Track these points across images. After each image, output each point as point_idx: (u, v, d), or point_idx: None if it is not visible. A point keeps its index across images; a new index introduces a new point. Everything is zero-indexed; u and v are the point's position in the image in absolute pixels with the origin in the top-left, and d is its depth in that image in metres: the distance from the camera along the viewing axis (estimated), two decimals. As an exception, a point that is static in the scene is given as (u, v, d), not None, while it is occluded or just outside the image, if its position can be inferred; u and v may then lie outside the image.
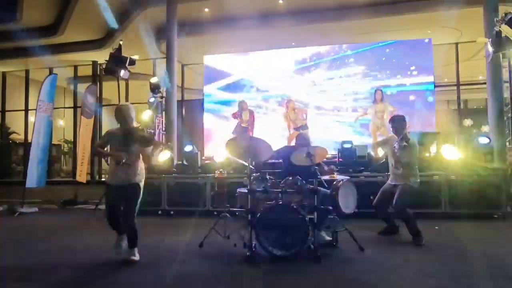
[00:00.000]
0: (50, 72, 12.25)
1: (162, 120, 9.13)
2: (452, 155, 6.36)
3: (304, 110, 9.27)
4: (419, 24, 9.42)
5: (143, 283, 3.22)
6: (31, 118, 12.40)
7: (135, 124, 3.96)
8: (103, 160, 12.48)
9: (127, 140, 3.79)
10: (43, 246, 4.63)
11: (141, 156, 3.92)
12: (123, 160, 3.69)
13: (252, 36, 9.96)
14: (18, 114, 12.80)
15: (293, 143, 6.66)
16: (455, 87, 10.41)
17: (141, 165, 3.92)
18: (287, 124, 9.12)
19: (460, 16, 8.60)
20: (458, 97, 10.50)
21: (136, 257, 3.79)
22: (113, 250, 3.85)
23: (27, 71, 12.70)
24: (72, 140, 12.79)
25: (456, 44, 10.16)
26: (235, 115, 9.12)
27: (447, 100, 13.18)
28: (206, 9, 9.67)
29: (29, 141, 9.27)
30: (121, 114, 3.85)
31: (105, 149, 3.97)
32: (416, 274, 3.30)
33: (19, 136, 12.73)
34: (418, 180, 4.60)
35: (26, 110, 12.54)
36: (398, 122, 4.63)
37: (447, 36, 9.98)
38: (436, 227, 5.34)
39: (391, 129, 4.73)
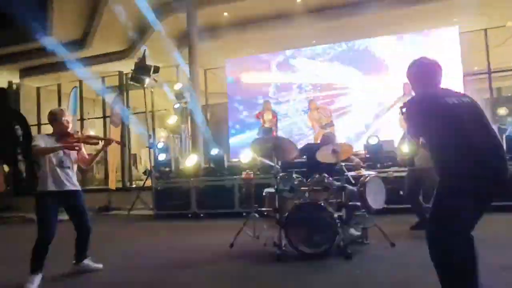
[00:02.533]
0: (80, 85, 12.81)
1: (188, 125, 9.31)
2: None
3: (328, 108, 9.20)
4: (444, 13, 9.12)
5: (177, 283, 3.31)
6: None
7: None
8: (132, 167, 12.90)
9: (64, 140, 3.52)
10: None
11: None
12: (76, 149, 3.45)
13: (272, 37, 9.98)
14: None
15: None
16: (486, 75, 10.00)
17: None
18: (312, 124, 9.08)
19: (487, 0, 8.27)
20: (490, 85, 10.09)
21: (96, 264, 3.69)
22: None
23: (59, 85, 13.29)
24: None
25: (485, 30, 9.77)
26: (258, 116, 9.17)
27: (478, 89, 12.66)
28: (226, 13, 9.79)
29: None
30: (55, 118, 3.59)
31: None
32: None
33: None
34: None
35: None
36: None
37: (475, 23, 9.61)
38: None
39: None
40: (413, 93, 2.49)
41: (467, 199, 2.02)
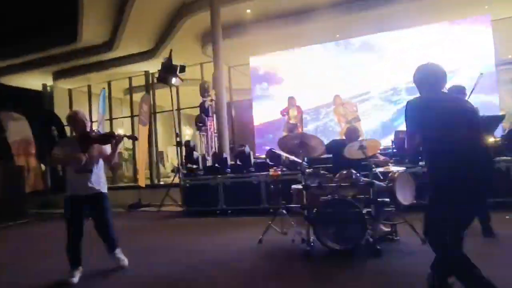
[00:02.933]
0: (109, 85, 13.24)
1: (214, 122, 9.44)
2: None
3: (353, 103, 9.08)
4: (475, 0, 8.77)
5: (205, 279, 3.38)
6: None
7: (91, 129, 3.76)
8: (160, 164, 13.22)
9: (84, 145, 3.56)
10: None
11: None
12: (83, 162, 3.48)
13: (295, 32, 9.92)
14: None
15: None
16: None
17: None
18: (337, 119, 9.00)
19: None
20: (525, 75, 9.63)
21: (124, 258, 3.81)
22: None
23: (89, 86, 13.79)
24: (132, 147, 13.68)
25: (519, 16, 9.32)
26: (283, 112, 9.16)
27: (511, 78, 12.12)
28: (248, 10, 9.81)
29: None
30: (72, 119, 3.63)
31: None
32: (484, 267, 3.14)
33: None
34: None
35: (91, 122, 13.61)
36: (461, 93, 4.21)
37: (507, 10, 9.18)
38: (507, 217, 4.99)
39: None
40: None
41: (448, 198, 2.37)
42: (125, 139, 3.78)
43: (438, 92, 2.58)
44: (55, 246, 5.23)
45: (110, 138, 3.66)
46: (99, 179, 3.67)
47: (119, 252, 3.83)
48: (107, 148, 3.72)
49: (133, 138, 3.86)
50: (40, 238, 6.45)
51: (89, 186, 3.58)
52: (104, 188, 3.72)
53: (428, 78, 2.57)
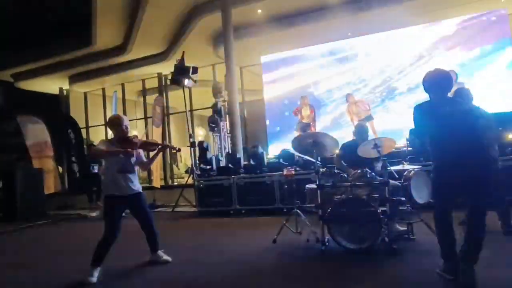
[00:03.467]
0: (123, 88, 13.44)
1: (226, 123, 9.49)
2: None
3: (366, 101, 9.01)
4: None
5: (221, 279, 3.40)
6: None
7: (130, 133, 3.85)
8: (174, 166, 13.36)
9: (125, 146, 3.68)
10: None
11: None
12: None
13: (306, 31, 9.89)
14: (100, 128, 14.19)
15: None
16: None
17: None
18: (350, 118, 8.94)
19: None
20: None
21: (166, 257, 3.97)
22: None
23: (103, 89, 14.02)
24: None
25: (537, 9, 9.08)
26: (296, 112, 9.16)
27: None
28: (259, 10, 9.83)
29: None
30: (115, 123, 3.77)
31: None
32: (504, 266, 3.08)
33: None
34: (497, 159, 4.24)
35: (106, 124, 13.86)
36: (464, 95, 4.27)
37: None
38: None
39: None
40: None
41: (444, 187, 2.86)
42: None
43: (444, 96, 2.89)
44: (73, 246, 5.40)
45: (153, 146, 3.89)
46: (136, 180, 3.82)
47: (161, 251, 4.00)
48: (143, 154, 3.93)
49: (177, 149, 3.99)
50: (58, 238, 6.60)
51: (130, 186, 3.72)
52: (140, 188, 3.86)
53: (435, 83, 2.88)
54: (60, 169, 11.59)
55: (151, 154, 4.09)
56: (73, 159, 10.88)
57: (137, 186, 3.82)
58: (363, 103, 8.83)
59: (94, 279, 3.51)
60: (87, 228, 7.14)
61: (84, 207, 9.60)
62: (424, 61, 9.06)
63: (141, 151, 3.91)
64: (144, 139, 4.25)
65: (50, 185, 10.64)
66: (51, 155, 11.06)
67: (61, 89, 14.17)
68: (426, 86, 2.94)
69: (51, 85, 13.61)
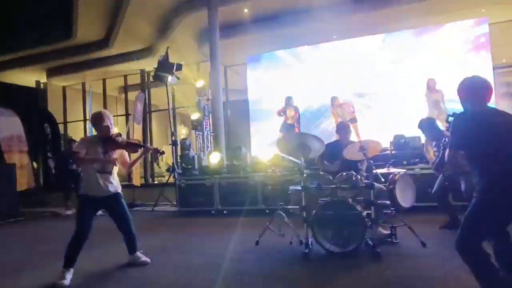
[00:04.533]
0: (104, 83, 13.10)
1: (210, 122, 9.37)
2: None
3: (350, 103, 9.08)
4: (471, 3, 8.81)
5: (202, 281, 3.31)
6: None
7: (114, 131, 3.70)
8: (154, 164, 13.11)
9: (106, 147, 3.59)
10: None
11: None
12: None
13: (292, 32, 9.88)
14: (79, 124, 13.77)
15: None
16: (515, 68, 9.63)
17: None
18: (335, 120, 8.98)
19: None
20: (520, 78, 9.70)
21: (145, 258, 3.86)
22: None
23: (83, 84, 13.63)
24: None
25: (515, 21, 9.38)
26: (279, 113, 9.12)
27: (507, 82, 12.21)
28: (246, 10, 9.76)
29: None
30: (98, 120, 3.61)
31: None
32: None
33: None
34: None
35: (85, 120, 13.48)
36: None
37: (504, 13, 9.23)
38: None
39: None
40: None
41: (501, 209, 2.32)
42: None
43: (483, 105, 2.54)
44: (46, 246, 5.15)
45: (137, 147, 3.75)
46: (116, 180, 3.69)
47: (139, 252, 3.88)
48: (127, 155, 3.80)
49: (161, 152, 3.88)
50: (30, 237, 6.31)
51: (108, 187, 3.59)
52: (120, 189, 3.74)
53: (472, 92, 2.55)
54: (35, 164, 11.17)
55: (134, 155, 3.93)
56: (49, 154, 10.50)
57: (116, 186, 3.68)
58: (348, 106, 8.89)
59: (66, 282, 3.34)
60: (62, 227, 6.85)
61: (60, 205, 9.25)
62: (402, 68, 9.20)
63: (124, 151, 3.77)
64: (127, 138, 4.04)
65: (24, 182, 10.22)
66: (25, 149, 10.64)
67: (38, 82, 13.68)
68: (462, 95, 2.59)
69: (27, 77, 13.11)
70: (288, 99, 9.00)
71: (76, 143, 3.66)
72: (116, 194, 3.68)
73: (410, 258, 3.58)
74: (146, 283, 3.37)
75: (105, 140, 3.59)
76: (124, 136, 3.87)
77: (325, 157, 4.51)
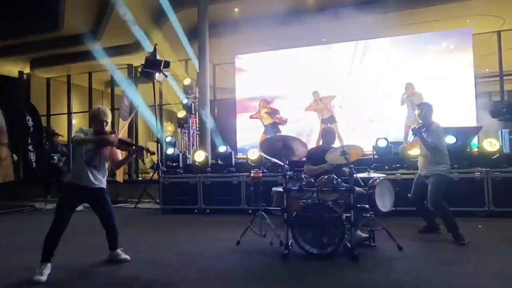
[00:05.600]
0: (90, 76, 12.89)
1: (196, 120, 9.34)
2: (495, 150, 6.08)
3: (332, 97, 9.19)
4: (457, 14, 9.03)
5: (181, 280, 3.31)
6: (74, 121, 13.14)
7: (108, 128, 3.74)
8: (139, 160, 12.97)
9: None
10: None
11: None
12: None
13: (282, 34, 9.93)
14: (62, 117, 13.52)
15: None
16: (497, 78, 9.90)
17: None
18: (318, 114, 9.15)
19: (502, 2, 8.16)
20: (502, 88, 9.98)
21: (125, 255, 3.86)
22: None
23: (68, 76, 13.38)
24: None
25: (499, 32, 9.66)
26: (253, 117, 9.32)
27: (489, 91, 12.55)
28: (236, 9, 9.76)
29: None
30: (96, 116, 3.65)
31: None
32: (459, 275, 3.21)
33: (63, 138, 13.45)
34: (449, 167, 4.44)
35: (69, 113, 13.25)
36: (426, 108, 4.53)
37: (488, 25, 9.50)
38: (480, 226, 5.14)
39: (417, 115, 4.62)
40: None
41: None
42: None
43: None
44: (23, 240, 5.07)
45: (128, 146, 3.77)
46: (104, 179, 3.71)
47: (120, 249, 3.88)
48: (118, 152, 3.82)
49: (151, 153, 3.86)
50: (8, 232, 6.19)
51: (95, 180, 3.60)
52: (105, 184, 3.74)
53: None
54: (15, 157, 10.91)
55: (124, 153, 3.96)
56: (30, 147, 10.27)
57: (102, 181, 3.69)
58: (329, 99, 9.06)
59: (43, 277, 3.29)
60: (42, 222, 6.75)
61: (40, 199, 9.09)
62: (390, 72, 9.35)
63: (116, 149, 3.78)
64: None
65: (3, 174, 9.97)
66: (5, 142, 10.37)
67: (21, 73, 13.36)
68: None
69: (10, 67, 12.79)
70: (261, 102, 9.23)
71: (76, 131, 3.69)
72: (101, 189, 3.69)
73: (387, 260, 3.67)
74: (126, 280, 3.35)
75: (99, 136, 3.62)
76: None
77: (310, 162, 4.58)
